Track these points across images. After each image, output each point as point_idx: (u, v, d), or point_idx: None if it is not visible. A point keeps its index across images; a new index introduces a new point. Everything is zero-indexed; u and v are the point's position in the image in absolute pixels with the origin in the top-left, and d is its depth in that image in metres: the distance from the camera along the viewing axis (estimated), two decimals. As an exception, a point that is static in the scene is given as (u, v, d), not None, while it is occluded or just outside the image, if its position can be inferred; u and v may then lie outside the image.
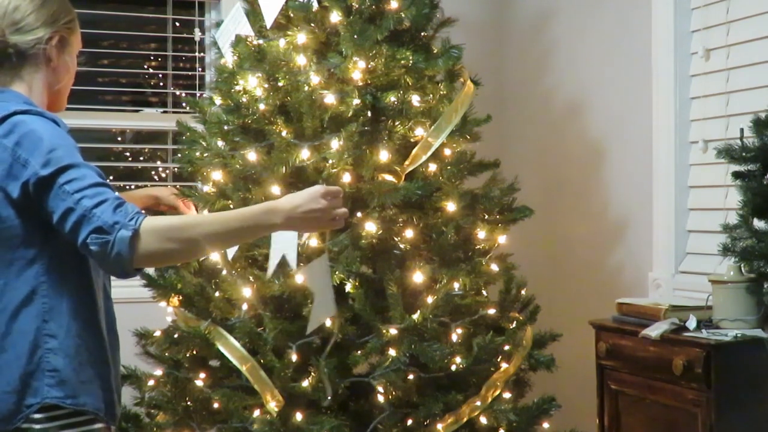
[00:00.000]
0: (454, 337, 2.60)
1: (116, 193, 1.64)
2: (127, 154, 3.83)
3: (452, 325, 2.60)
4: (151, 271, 2.87)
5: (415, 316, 2.50)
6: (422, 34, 2.80)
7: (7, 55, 1.76)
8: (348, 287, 2.53)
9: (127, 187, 3.77)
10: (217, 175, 2.69)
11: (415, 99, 2.65)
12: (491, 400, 2.63)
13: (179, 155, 3.00)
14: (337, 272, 2.46)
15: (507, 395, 2.70)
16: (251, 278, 2.57)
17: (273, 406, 2.46)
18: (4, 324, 1.66)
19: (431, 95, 2.71)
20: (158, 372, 2.73)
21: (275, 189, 2.54)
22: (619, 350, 2.70)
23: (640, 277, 3.25)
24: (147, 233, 1.59)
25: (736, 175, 2.41)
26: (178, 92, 3.82)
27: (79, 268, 1.71)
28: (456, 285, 2.61)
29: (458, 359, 2.56)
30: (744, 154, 2.36)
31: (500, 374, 2.67)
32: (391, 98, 2.63)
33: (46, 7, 1.78)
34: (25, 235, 1.66)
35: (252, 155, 2.61)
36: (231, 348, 2.54)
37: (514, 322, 2.79)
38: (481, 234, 2.75)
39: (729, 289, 2.49)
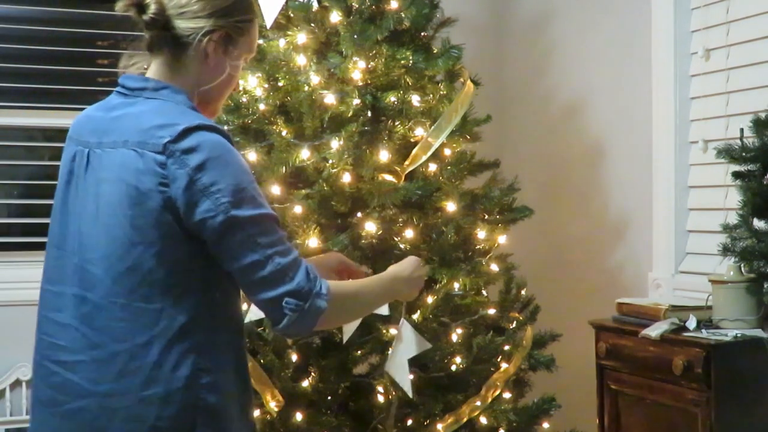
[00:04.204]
0: (454, 337, 2.60)
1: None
2: (127, 154, 3.82)
3: (452, 325, 2.61)
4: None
5: (415, 316, 2.50)
6: (422, 34, 2.80)
7: (164, 38, 1.60)
8: (348, 287, 2.53)
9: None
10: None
11: (415, 99, 2.65)
12: (491, 400, 2.63)
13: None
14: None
15: (507, 395, 2.71)
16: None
17: (273, 406, 2.46)
18: (158, 353, 1.50)
19: (431, 95, 2.71)
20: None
21: (275, 189, 2.54)
22: (619, 350, 2.70)
23: (640, 277, 3.25)
24: (332, 303, 1.55)
25: (736, 175, 2.41)
26: (178, 92, 3.81)
27: (232, 301, 1.61)
28: (456, 285, 2.61)
29: (458, 359, 2.57)
30: (744, 154, 2.36)
31: (500, 374, 2.67)
32: (391, 98, 2.63)
33: None
34: (189, 261, 1.53)
35: (252, 155, 2.61)
36: (231, 348, 2.54)
37: (514, 322, 2.79)
38: (481, 234, 2.75)
39: (729, 289, 2.48)
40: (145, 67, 1.67)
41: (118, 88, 1.66)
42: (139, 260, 1.50)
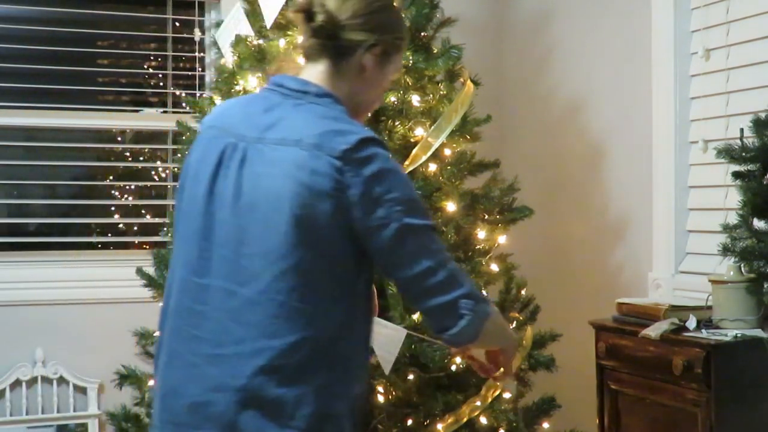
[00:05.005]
0: (454, 337, 2.59)
1: None
2: (127, 154, 3.82)
3: (452, 325, 2.60)
4: (151, 270, 2.87)
5: (415, 316, 2.50)
6: (422, 34, 2.79)
7: (327, 47, 1.63)
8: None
9: (127, 187, 3.78)
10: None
11: (415, 99, 2.65)
12: (491, 400, 2.63)
13: (179, 155, 3.00)
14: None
15: (507, 395, 2.70)
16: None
17: (273, 406, 2.46)
18: (305, 356, 1.50)
19: (431, 95, 2.71)
20: (158, 372, 2.73)
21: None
22: (619, 350, 2.70)
23: (640, 277, 3.25)
24: (493, 310, 1.60)
25: (736, 175, 2.40)
26: (178, 92, 3.82)
27: (368, 315, 1.64)
28: (456, 285, 2.60)
29: (458, 359, 2.56)
30: (744, 154, 2.36)
31: (501, 374, 2.67)
32: (391, 98, 2.63)
33: (384, 13, 1.67)
34: (345, 268, 1.55)
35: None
36: (231, 348, 2.53)
37: (514, 322, 2.79)
38: (481, 234, 2.75)
39: (729, 289, 2.48)
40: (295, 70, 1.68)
41: (273, 87, 1.66)
42: (301, 260, 1.51)
